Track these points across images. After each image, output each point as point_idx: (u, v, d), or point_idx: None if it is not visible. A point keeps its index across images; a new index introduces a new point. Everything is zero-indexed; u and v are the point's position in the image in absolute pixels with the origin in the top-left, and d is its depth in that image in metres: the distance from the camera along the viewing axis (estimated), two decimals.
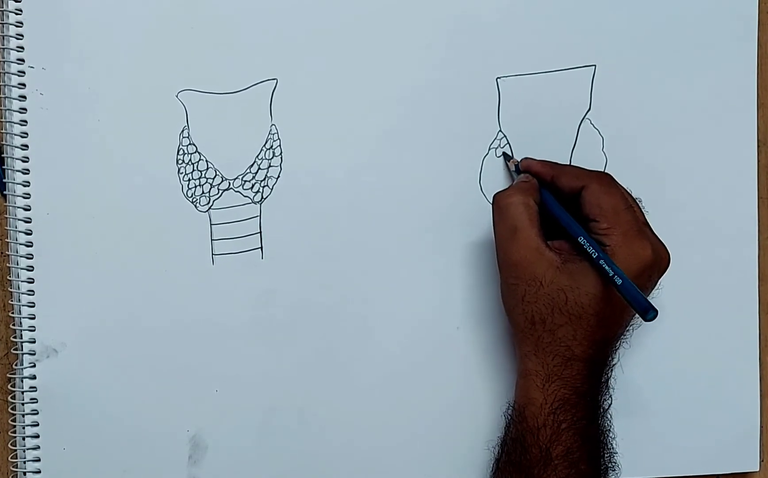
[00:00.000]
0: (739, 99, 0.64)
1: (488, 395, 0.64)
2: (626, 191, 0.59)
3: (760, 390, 0.66)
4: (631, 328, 0.60)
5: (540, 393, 0.57)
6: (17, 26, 0.59)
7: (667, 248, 0.58)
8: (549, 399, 0.56)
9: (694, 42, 0.64)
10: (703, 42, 0.64)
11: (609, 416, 0.59)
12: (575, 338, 0.56)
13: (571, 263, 0.56)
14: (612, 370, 0.60)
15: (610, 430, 0.59)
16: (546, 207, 0.59)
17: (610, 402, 0.60)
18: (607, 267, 0.55)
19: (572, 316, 0.56)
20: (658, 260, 0.57)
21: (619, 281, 0.54)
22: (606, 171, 0.63)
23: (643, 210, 0.59)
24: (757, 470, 0.66)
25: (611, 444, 0.59)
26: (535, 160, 0.62)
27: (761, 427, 0.66)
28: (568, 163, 0.63)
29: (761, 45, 0.64)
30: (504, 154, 0.63)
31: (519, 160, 0.62)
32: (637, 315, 0.59)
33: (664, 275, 0.59)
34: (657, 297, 0.59)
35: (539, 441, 0.56)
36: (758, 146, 0.65)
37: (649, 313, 0.53)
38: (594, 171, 0.60)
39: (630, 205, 0.57)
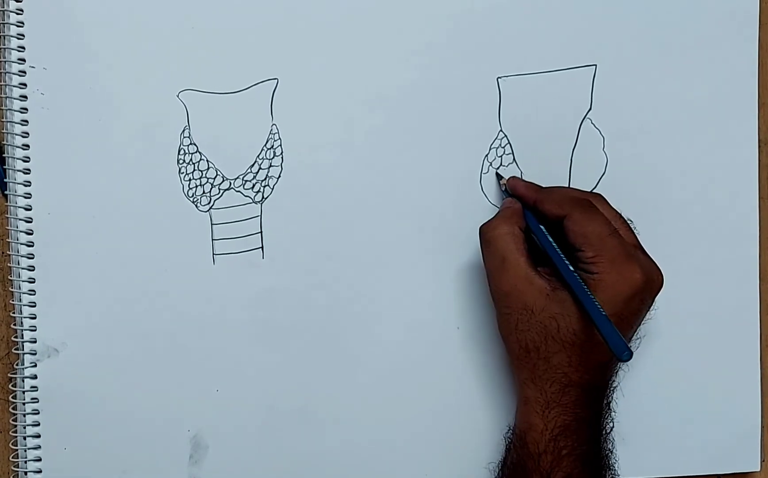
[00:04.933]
0: (740, 99, 0.64)
1: (489, 394, 0.64)
2: (615, 212, 0.59)
3: (761, 390, 0.66)
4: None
5: (540, 419, 0.57)
6: (18, 26, 0.59)
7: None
8: (549, 425, 0.56)
9: (694, 42, 0.64)
10: (704, 42, 0.64)
11: (611, 439, 0.59)
12: (571, 365, 0.56)
13: (561, 290, 0.56)
14: (613, 393, 0.60)
15: (612, 452, 0.59)
16: (531, 231, 0.59)
17: (612, 426, 0.59)
18: (584, 303, 0.54)
19: (565, 343, 0.55)
20: (650, 283, 0.56)
21: (595, 318, 0.53)
22: (612, 175, 0.63)
23: (634, 231, 0.59)
24: (758, 470, 0.66)
25: (613, 467, 0.59)
26: (520, 181, 0.62)
27: (762, 427, 0.66)
28: (569, 162, 0.63)
29: (762, 45, 0.64)
30: (496, 173, 0.63)
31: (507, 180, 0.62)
32: (634, 337, 0.58)
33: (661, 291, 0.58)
34: (657, 303, 0.58)
35: (540, 467, 0.56)
36: (759, 146, 0.65)
37: (624, 354, 0.52)
38: (577, 196, 0.59)
39: (614, 230, 0.56)
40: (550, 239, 0.57)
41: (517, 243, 0.57)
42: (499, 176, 0.63)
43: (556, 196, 0.59)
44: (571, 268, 0.56)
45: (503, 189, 0.62)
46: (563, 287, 0.56)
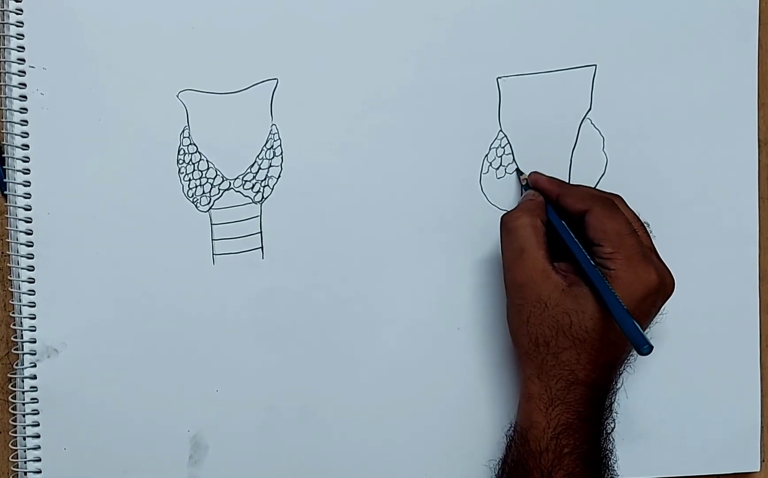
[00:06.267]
0: (740, 99, 0.64)
1: (490, 393, 0.64)
2: (634, 214, 0.59)
3: (761, 390, 0.66)
4: (635, 352, 0.59)
5: (543, 417, 0.57)
6: (18, 26, 0.59)
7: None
8: (552, 423, 0.56)
9: (694, 42, 0.64)
10: (704, 42, 0.64)
11: (612, 439, 0.59)
12: (579, 362, 0.56)
13: (576, 286, 0.56)
14: (616, 394, 0.60)
15: (612, 452, 0.59)
16: (553, 226, 0.59)
17: (613, 426, 0.59)
18: (605, 297, 0.54)
19: (576, 340, 0.56)
20: (663, 286, 0.57)
21: (616, 314, 0.54)
22: (613, 175, 0.63)
23: (650, 234, 0.59)
24: (758, 470, 0.66)
25: (613, 467, 0.59)
26: (543, 176, 0.62)
27: (762, 427, 0.66)
28: (569, 162, 0.63)
29: (761, 45, 0.64)
30: (517, 169, 0.63)
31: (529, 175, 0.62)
32: None
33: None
34: (663, 307, 0.58)
35: (541, 465, 0.56)
36: (759, 146, 0.65)
37: (644, 347, 0.52)
38: (599, 194, 0.60)
39: (634, 231, 0.57)
40: (571, 234, 0.58)
41: (538, 236, 0.57)
42: (519, 172, 0.63)
43: (579, 192, 0.60)
44: (593, 262, 0.56)
45: (524, 184, 0.62)
46: (579, 283, 0.56)
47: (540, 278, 0.56)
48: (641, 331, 0.53)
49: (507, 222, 0.59)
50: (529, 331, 0.57)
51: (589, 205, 0.58)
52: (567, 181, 0.64)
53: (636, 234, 0.57)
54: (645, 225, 0.59)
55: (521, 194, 0.63)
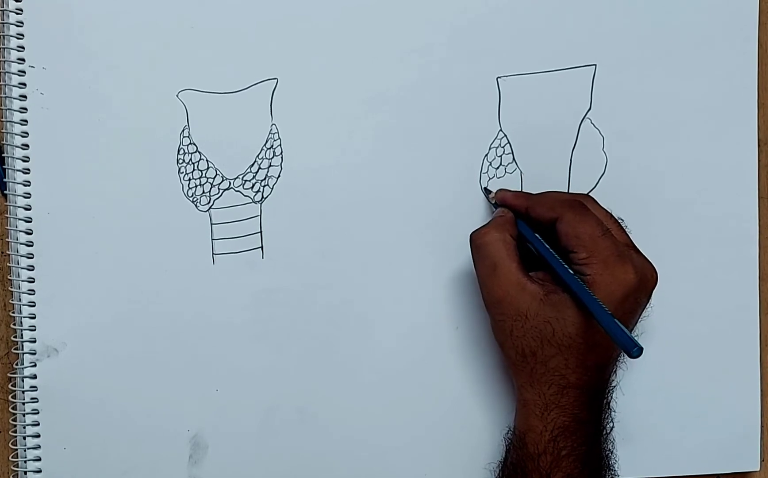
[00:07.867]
0: (740, 99, 0.64)
1: (489, 395, 0.64)
2: (606, 212, 0.59)
3: (761, 390, 0.66)
4: None
5: (539, 421, 0.56)
6: (18, 26, 0.59)
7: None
8: (549, 427, 0.56)
9: (694, 42, 0.64)
10: (704, 42, 0.64)
11: (611, 439, 0.59)
12: (568, 367, 0.56)
13: (554, 294, 0.56)
14: (612, 392, 0.59)
15: (612, 452, 0.59)
16: (526, 239, 0.59)
17: (611, 425, 0.59)
18: (589, 305, 0.54)
19: (562, 346, 0.55)
20: (644, 282, 0.56)
21: (602, 320, 0.53)
22: (612, 175, 0.63)
23: (626, 230, 0.59)
24: (758, 469, 0.66)
25: (613, 467, 0.59)
26: (509, 191, 0.61)
27: (762, 427, 0.66)
28: (569, 162, 0.63)
29: (761, 45, 0.64)
30: (484, 189, 0.63)
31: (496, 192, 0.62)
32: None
33: (657, 288, 0.58)
34: (655, 300, 0.58)
35: (540, 468, 0.56)
36: (759, 146, 0.65)
37: (634, 350, 0.51)
38: (567, 198, 0.59)
39: (606, 231, 0.56)
40: (546, 245, 0.57)
41: (509, 249, 0.57)
42: (487, 191, 0.63)
43: (547, 199, 0.59)
44: (570, 270, 0.56)
45: (493, 203, 0.62)
46: (557, 290, 0.56)
47: (516, 291, 0.56)
48: (629, 334, 0.52)
49: (476, 239, 0.58)
50: (514, 343, 0.57)
51: (558, 212, 0.57)
52: (567, 181, 0.64)
53: (609, 234, 0.56)
54: (620, 221, 0.59)
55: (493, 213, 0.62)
